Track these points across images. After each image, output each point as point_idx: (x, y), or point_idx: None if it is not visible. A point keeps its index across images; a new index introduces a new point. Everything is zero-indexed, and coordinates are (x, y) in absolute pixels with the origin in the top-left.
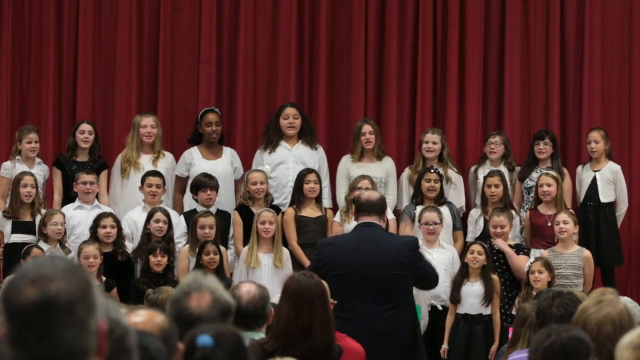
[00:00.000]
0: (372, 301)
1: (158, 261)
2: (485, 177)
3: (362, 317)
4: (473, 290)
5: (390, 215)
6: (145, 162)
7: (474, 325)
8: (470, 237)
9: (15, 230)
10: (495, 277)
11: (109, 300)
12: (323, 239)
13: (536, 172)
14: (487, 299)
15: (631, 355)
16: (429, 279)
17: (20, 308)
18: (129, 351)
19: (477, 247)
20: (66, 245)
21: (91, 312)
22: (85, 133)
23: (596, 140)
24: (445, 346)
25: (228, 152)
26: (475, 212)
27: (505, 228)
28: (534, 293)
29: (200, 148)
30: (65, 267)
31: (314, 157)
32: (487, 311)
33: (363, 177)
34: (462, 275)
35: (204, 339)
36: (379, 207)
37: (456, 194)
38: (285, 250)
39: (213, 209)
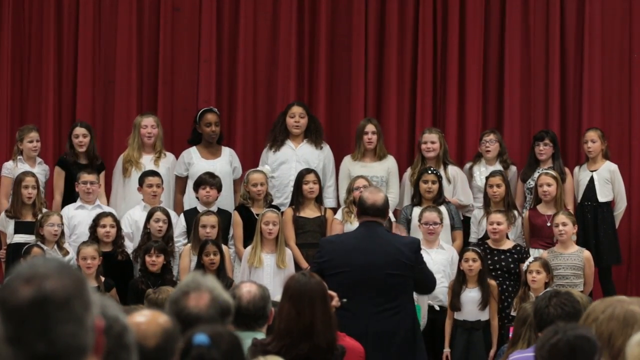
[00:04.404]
0: (371, 300)
1: (153, 261)
2: (487, 178)
3: (361, 316)
4: (471, 296)
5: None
6: (147, 162)
7: (473, 332)
8: (473, 238)
9: (18, 230)
10: (492, 282)
11: (107, 299)
12: (326, 237)
13: (538, 172)
14: (484, 303)
15: None
16: (428, 282)
17: (17, 307)
18: (127, 348)
19: (471, 255)
20: (64, 246)
21: (87, 308)
22: (79, 137)
23: (593, 140)
24: (447, 350)
25: (227, 152)
26: (478, 213)
27: (502, 226)
28: (531, 293)
29: (199, 148)
30: (58, 265)
31: (318, 157)
32: (485, 317)
33: (358, 177)
34: (460, 282)
35: (201, 338)
36: (384, 210)
37: (463, 193)
38: (289, 251)
39: (214, 208)
